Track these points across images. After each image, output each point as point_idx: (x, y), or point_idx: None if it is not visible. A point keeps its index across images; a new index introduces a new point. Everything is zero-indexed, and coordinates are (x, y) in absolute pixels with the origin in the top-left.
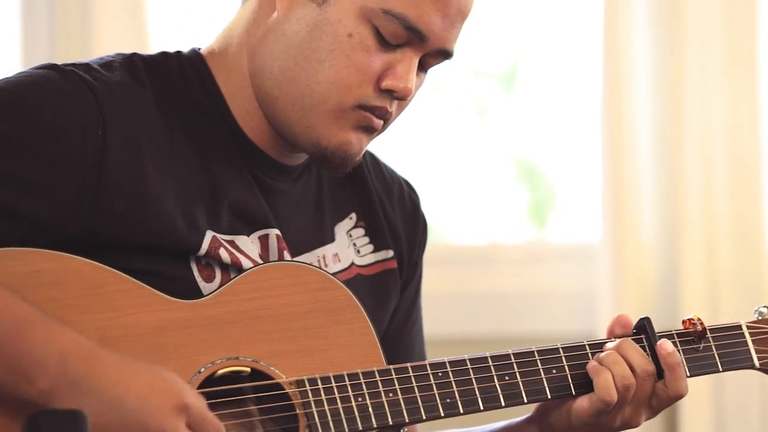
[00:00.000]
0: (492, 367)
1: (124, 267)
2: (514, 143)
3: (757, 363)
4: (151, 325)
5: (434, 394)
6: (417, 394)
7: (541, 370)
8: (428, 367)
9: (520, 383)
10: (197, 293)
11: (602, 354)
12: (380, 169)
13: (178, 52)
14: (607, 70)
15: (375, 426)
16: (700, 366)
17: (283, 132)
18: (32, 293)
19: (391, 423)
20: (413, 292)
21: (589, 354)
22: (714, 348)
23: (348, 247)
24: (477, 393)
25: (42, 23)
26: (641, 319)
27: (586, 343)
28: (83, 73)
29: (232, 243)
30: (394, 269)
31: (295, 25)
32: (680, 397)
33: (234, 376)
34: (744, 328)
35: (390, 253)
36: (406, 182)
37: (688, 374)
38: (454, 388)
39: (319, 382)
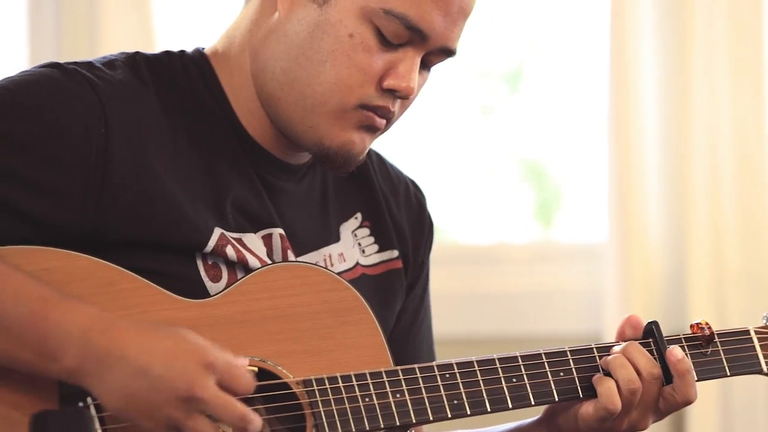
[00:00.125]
0: (499, 369)
1: (129, 266)
2: (521, 143)
3: (765, 368)
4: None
5: (441, 395)
6: (424, 394)
7: (548, 373)
8: (436, 368)
9: (528, 385)
10: (204, 293)
11: (609, 357)
12: (386, 169)
13: (182, 52)
14: (614, 70)
15: (382, 426)
16: (708, 370)
17: (286, 132)
18: None
19: (398, 423)
20: (420, 292)
21: (597, 357)
22: (722, 352)
23: (353, 247)
24: (484, 394)
25: (49, 23)
26: (649, 322)
27: (593, 346)
28: (86, 71)
29: (239, 241)
30: (399, 269)
31: (296, 26)
32: (689, 402)
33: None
34: (752, 333)
35: (395, 253)
36: (412, 182)
37: (696, 378)
38: (462, 389)
39: (327, 382)
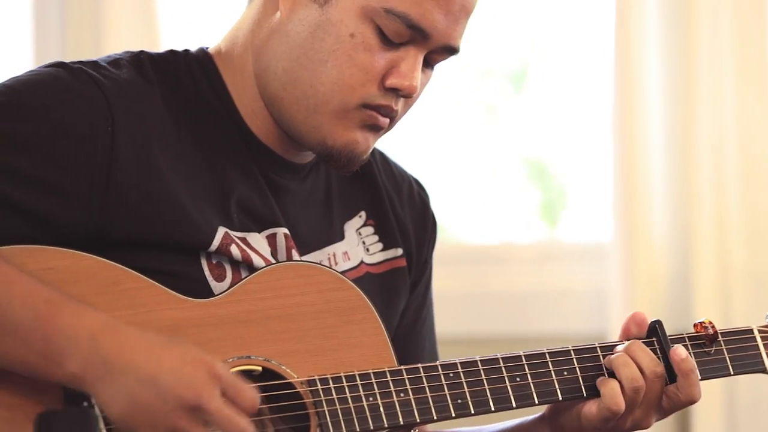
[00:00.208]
0: (503, 368)
1: (134, 265)
2: (525, 143)
3: None
4: (164, 323)
5: (445, 394)
6: (428, 394)
7: (552, 372)
8: (439, 367)
9: (532, 384)
10: (208, 292)
11: (612, 356)
12: (390, 168)
13: (186, 51)
14: (619, 69)
15: (386, 426)
16: (712, 369)
17: (289, 131)
18: None
19: (402, 423)
20: (423, 290)
21: (600, 356)
22: (725, 352)
23: (357, 246)
24: (488, 394)
25: (53, 23)
26: (652, 321)
27: (597, 345)
28: (91, 70)
29: (244, 240)
30: (403, 268)
31: (297, 26)
32: (693, 402)
33: (245, 375)
34: (756, 332)
35: (399, 252)
36: (416, 180)
37: (699, 377)
38: (466, 389)
39: (331, 381)
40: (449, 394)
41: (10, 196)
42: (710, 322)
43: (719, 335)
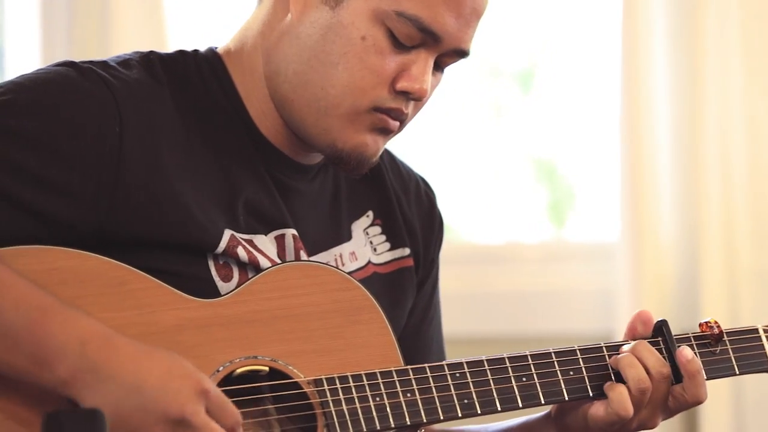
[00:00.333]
0: (510, 368)
1: (140, 266)
2: (533, 143)
3: None
4: (170, 323)
5: (452, 394)
6: (435, 394)
7: (558, 372)
8: (446, 367)
9: (538, 384)
10: (215, 293)
11: (618, 356)
12: (397, 167)
13: (196, 51)
14: (626, 69)
15: (393, 426)
16: (717, 369)
17: (299, 133)
18: (51, 291)
19: (408, 423)
20: (430, 289)
21: (606, 356)
22: (731, 351)
23: (365, 246)
24: (494, 394)
25: (61, 23)
26: (658, 321)
27: (603, 345)
28: (101, 70)
29: (250, 242)
30: (410, 267)
31: (308, 28)
32: (699, 402)
33: (252, 375)
34: (761, 331)
35: (406, 251)
36: (423, 180)
37: (705, 377)
38: (472, 389)
39: (337, 381)
40: (456, 394)
41: (17, 194)
42: (715, 322)
43: (724, 335)
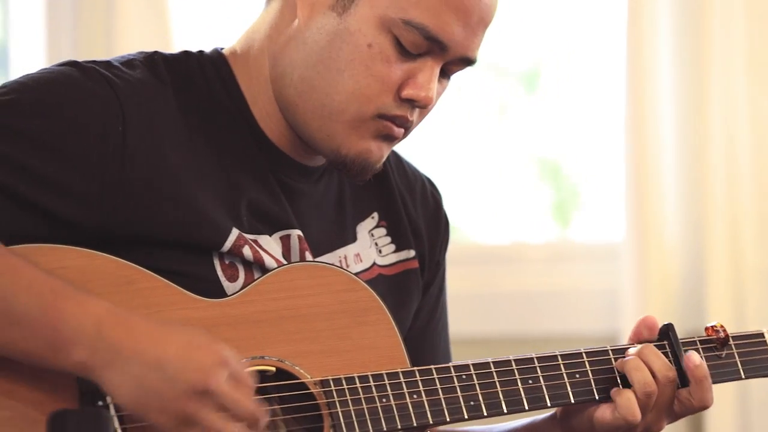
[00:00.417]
0: (516, 371)
1: (146, 265)
2: (538, 142)
3: None
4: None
5: (458, 396)
6: (441, 396)
7: (564, 375)
8: (452, 369)
9: (544, 387)
10: (221, 292)
11: (624, 359)
12: (403, 168)
13: (200, 52)
14: (631, 70)
15: (399, 427)
16: (723, 373)
17: (303, 137)
18: None
19: (415, 424)
20: (436, 291)
21: (612, 359)
22: (737, 355)
23: (370, 247)
24: (501, 396)
25: (66, 23)
26: (664, 325)
27: (609, 348)
28: (104, 70)
29: (255, 242)
30: (415, 269)
31: (315, 34)
32: (705, 407)
33: (259, 376)
34: (767, 335)
35: (411, 253)
36: (429, 180)
37: (712, 382)
38: (478, 391)
39: (344, 382)
40: (462, 395)
41: (21, 194)
42: (722, 326)
43: (730, 339)
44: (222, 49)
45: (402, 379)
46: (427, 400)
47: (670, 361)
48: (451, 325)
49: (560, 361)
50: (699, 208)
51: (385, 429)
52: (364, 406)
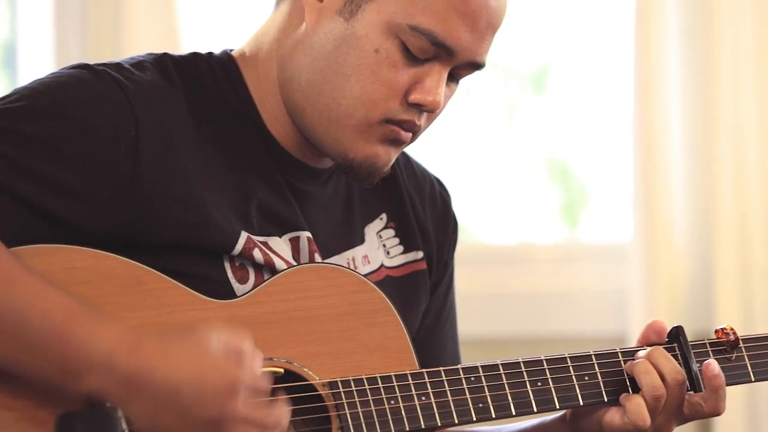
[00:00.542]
0: (525, 373)
1: (156, 267)
2: (546, 143)
3: None
4: (187, 324)
5: (467, 398)
6: (450, 397)
7: (573, 377)
8: (461, 371)
9: (553, 389)
10: (231, 294)
11: (633, 362)
12: (412, 168)
13: (210, 53)
14: (639, 70)
15: (407, 428)
16: (733, 376)
17: (311, 140)
18: (69, 291)
19: (423, 426)
20: (444, 291)
21: (621, 361)
22: (746, 358)
23: (378, 249)
24: (509, 398)
25: (74, 22)
26: (674, 327)
27: (618, 350)
28: (115, 72)
29: (265, 244)
30: (423, 270)
31: (322, 39)
32: (717, 414)
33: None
34: None
35: (420, 254)
36: (438, 180)
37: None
38: (487, 393)
39: (352, 384)
40: (470, 398)
41: (33, 198)
42: (731, 329)
43: (740, 342)
44: (231, 50)
45: (410, 381)
46: (435, 401)
47: (679, 363)
48: (458, 326)
49: (569, 363)
50: (707, 208)
51: (393, 430)
52: (372, 407)
